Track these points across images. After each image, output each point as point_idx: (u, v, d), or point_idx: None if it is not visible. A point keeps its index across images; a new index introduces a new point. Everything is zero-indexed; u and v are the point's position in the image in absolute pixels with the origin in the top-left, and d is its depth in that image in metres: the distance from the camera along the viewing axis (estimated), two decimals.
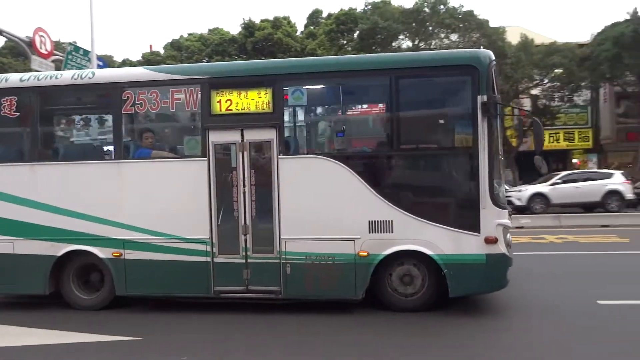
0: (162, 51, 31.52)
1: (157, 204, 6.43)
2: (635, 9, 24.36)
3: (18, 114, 6.75)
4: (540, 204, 19.32)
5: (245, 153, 6.22)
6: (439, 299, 6.11)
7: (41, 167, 6.69)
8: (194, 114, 6.61)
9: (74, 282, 6.75)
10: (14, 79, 6.93)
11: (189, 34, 31.86)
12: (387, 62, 6.66)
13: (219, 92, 6.25)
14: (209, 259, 6.28)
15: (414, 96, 6.43)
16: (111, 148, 6.79)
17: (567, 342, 5.09)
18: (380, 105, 6.32)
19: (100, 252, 6.52)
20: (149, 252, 6.41)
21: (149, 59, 30.10)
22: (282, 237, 6.12)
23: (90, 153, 7.39)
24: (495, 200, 5.74)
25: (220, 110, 6.26)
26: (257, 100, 6.19)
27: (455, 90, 6.31)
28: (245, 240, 6.22)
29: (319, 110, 7.16)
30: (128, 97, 6.43)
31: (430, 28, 29.95)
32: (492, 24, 28.29)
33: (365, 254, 5.97)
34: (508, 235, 5.92)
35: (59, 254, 6.59)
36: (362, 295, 6.06)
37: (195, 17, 74.51)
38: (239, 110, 6.23)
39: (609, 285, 7.07)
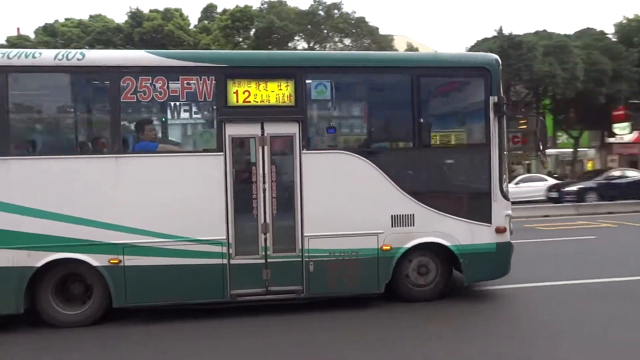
0: (32, 35, 27.89)
1: (164, 203, 5.82)
2: (501, 27, 27.32)
3: None
4: None
5: (265, 147, 5.95)
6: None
7: (15, 162, 5.65)
8: (207, 104, 6.13)
9: (54, 296, 5.82)
10: None
11: (66, 19, 28.71)
12: (410, 60, 6.99)
13: (236, 83, 5.89)
14: (224, 261, 5.88)
15: (433, 95, 6.73)
16: (106, 141, 6.02)
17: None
18: (402, 102, 6.48)
19: (93, 260, 5.70)
20: (154, 256, 5.78)
21: (15, 43, 26.43)
22: (304, 234, 5.99)
23: (79, 146, 6.41)
24: (504, 193, 6.30)
25: (238, 101, 5.89)
26: (277, 92, 5.96)
27: (470, 90, 6.71)
28: (265, 240, 5.96)
29: (343, 105, 7.07)
30: (128, 83, 5.71)
31: (325, 31, 30.83)
32: (381, 32, 30.17)
33: (389, 247, 6.14)
34: (511, 224, 6.52)
35: (39, 264, 5.60)
36: (383, 289, 6.21)
37: (72, 1, 66.78)
38: (258, 102, 5.94)
39: None
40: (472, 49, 28.60)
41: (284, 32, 28.82)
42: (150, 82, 5.74)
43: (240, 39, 30.14)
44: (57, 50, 5.84)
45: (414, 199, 6.16)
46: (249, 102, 5.91)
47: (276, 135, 6.03)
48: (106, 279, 5.73)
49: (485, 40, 28.13)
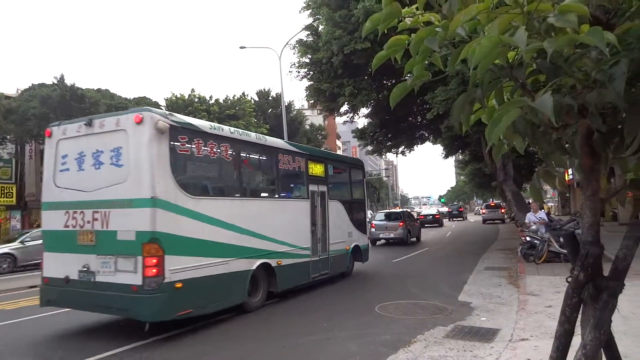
0: None
1: (292, 226, 10.57)
2: (63, 75, 26.97)
3: (231, 158, 9.13)
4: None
5: (318, 197, 11.55)
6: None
7: (245, 201, 9.34)
8: (302, 173, 11.29)
9: None
10: (227, 129, 9.22)
11: None
12: (349, 158, 15.91)
13: (310, 163, 11.43)
14: (310, 259, 11.06)
15: (351, 174, 13.95)
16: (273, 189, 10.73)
17: None
18: (346, 177, 13.95)
19: (273, 262, 9.67)
20: (290, 258, 10.31)
21: None
22: (330, 242, 11.84)
23: (262, 192, 10.61)
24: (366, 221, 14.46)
25: (311, 173, 11.41)
26: (319, 169, 11.83)
27: (358, 174, 14.40)
28: (319, 246, 11.40)
29: (333, 178, 13.04)
30: (280, 158, 10.43)
31: None
32: None
33: (348, 248, 12.90)
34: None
35: (254, 267, 9.11)
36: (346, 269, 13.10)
37: None
38: (315, 174, 11.58)
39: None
40: (27, 91, 26.91)
41: None
42: (286, 157, 10.56)
43: None
44: (255, 134, 10.30)
45: (352, 224, 13.14)
46: (314, 174, 11.54)
47: (321, 191, 11.74)
48: (276, 275, 9.66)
49: (42, 85, 27.31)
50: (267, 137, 10.24)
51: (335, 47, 16.81)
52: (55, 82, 27.08)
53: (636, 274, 10.17)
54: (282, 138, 29.33)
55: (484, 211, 48.18)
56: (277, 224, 9.81)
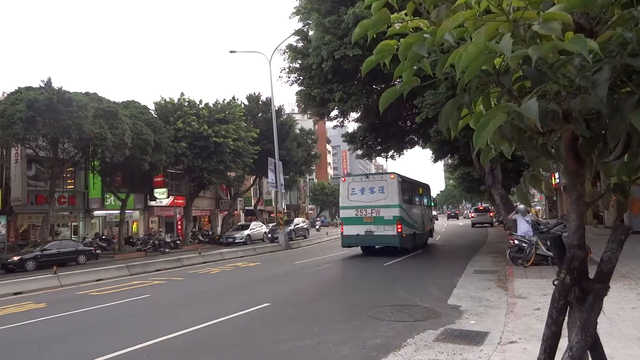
0: None
1: (417, 217, 22.91)
2: (50, 79, 25.76)
3: (407, 188, 22.08)
4: None
5: (421, 203, 24.81)
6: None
7: (409, 205, 21.84)
8: (418, 192, 24.66)
9: None
10: (404, 176, 22.21)
11: None
12: (417, 182, 25.58)
13: (419, 187, 25.18)
14: (421, 232, 23.26)
15: (428, 193, 27.52)
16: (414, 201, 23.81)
17: None
18: (426, 193, 27.24)
19: (416, 231, 22.17)
20: (418, 231, 22.53)
21: None
22: (425, 225, 24.67)
23: (412, 201, 22.86)
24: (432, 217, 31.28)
25: (419, 192, 24.90)
26: (421, 190, 25.51)
27: (427, 191, 27.48)
28: (422, 227, 23.49)
29: (422, 195, 25.95)
30: (415, 187, 24.08)
31: None
32: None
33: (428, 230, 26.10)
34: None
35: (412, 233, 21.28)
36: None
37: None
38: (420, 192, 25.20)
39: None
40: (13, 95, 25.96)
41: None
42: (417, 187, 24.89)
43: None
44: (412, 178, 21.53)
45: (428, 217, 26.58)
46: (419, 192, 25.04)
47: (422, 200, 25.15)
48: (416, 238, 21.97)
49: (29, 89, 26.00)
50: (413, 178, 24.81)
51: (325, 53, 16.87)
52: (43, 85, 26.22)
53: (621, 276, 10.31)
54: (272, 142, 29.72)
55: (472, 215, 48.84)
56: (414, 215, 22.01)
